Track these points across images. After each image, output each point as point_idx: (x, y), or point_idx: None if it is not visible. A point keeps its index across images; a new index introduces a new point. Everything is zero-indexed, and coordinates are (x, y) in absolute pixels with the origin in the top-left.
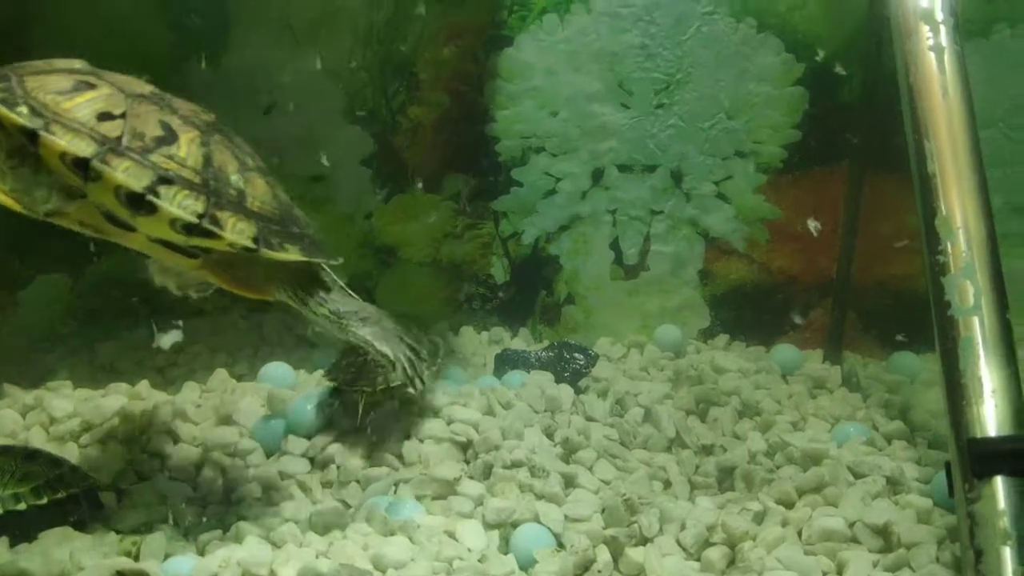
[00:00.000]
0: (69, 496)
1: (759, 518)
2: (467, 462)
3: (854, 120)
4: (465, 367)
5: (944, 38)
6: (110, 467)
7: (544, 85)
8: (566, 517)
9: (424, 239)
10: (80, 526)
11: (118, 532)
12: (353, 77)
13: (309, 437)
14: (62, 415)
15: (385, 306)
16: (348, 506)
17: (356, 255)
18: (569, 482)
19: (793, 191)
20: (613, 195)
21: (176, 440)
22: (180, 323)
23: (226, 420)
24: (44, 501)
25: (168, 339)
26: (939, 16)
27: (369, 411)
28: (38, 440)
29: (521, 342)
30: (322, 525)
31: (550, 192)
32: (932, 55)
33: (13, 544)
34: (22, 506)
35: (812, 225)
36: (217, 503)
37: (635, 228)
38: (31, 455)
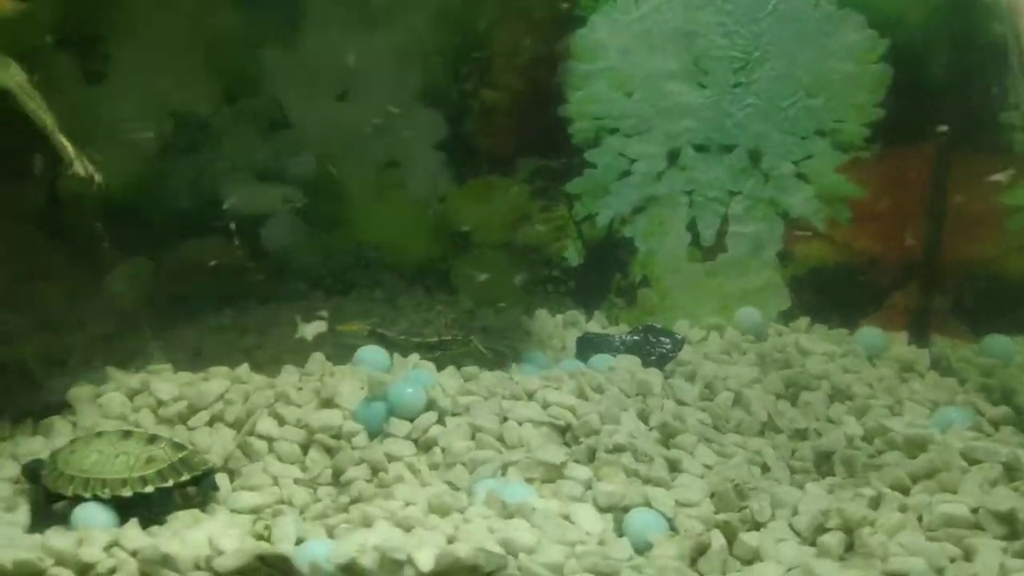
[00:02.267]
0: (193, 479)
1: (874, 503)
2: (567, 445)
3: (941, 98)
4: (543, 350)
5: None
6: (219, 449)
7: (618, 65)
8: (676, 502)
9: (498, 223)
10: (200, 508)
11: (237, 513)
12: (427, 61)
13: (411, 420)
14: (168, 398)
15: (459, 290)
16: (456, 488)
17: (430, 240)
18: (673, 467)
19: (877, 170)
20: (689, 176)
21: (282, 422)
22: (325, 314)
23: (328, 403)
24: (170, 484)
25: (311, 329)
26: None
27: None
28: (147, 423)
29: (596, 325)
30: (442, 508)
31: (625, 173)
32: None
33: (144, 526)
34: (149, 489)
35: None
36: (326, 484)
37: (712, 209)
38: (153, 438)
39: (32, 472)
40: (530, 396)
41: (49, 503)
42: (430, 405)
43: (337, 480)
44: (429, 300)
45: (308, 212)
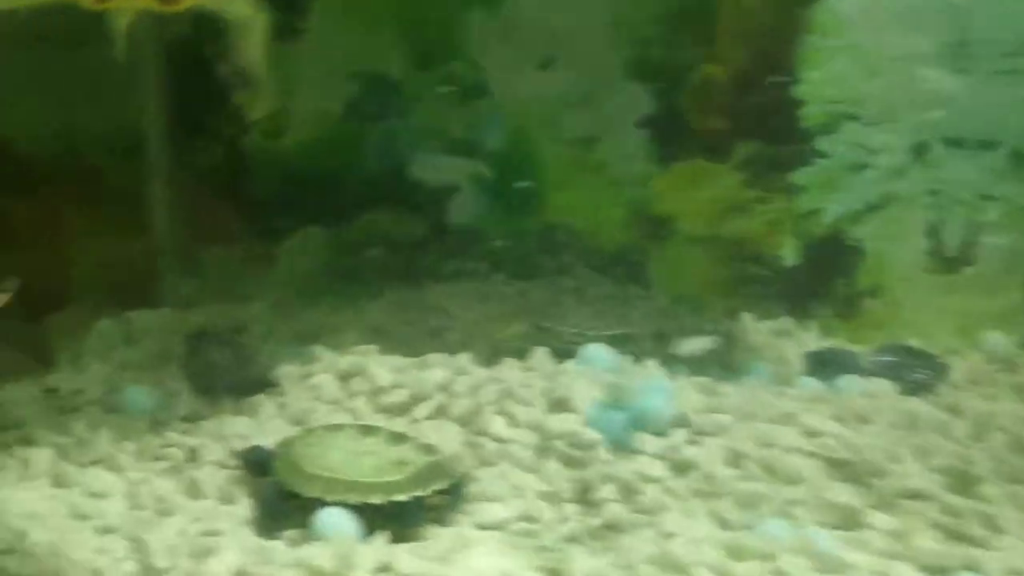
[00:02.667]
0: (448, 487)
1: None
2: (844, 482)
3: None
4: (757, 360)
5: None
6: (447, 449)
7: (865, 43)
8: (1008, 569)
9: (705, 211)
10: (442, 521)
11: (483, 528)
12: (640, 29)
13: (658, 434)
14: (386, 384)
15: (654, 283)
16: (726, 523)
17: (626, 226)
18: (987, 522)
19: None
20: (937, 174)
21: (513, 423)
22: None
23: (562, 406)
24: (423, 492)
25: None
26: None
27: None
28: (366, 413)
29: (811, 335)
30: (738, 550)
31: (860, 166)
32: None
33: (394, 541)
34: (402, 497)
35: None
36: (571, 501)
37: (960, 214)
38: (398, 437)
39: (255, 462)
40: (789, 419)
41: (281, 500)
42: (680, 420)
43: (584, 497)
44: (621, 292)
45: (495, 188)
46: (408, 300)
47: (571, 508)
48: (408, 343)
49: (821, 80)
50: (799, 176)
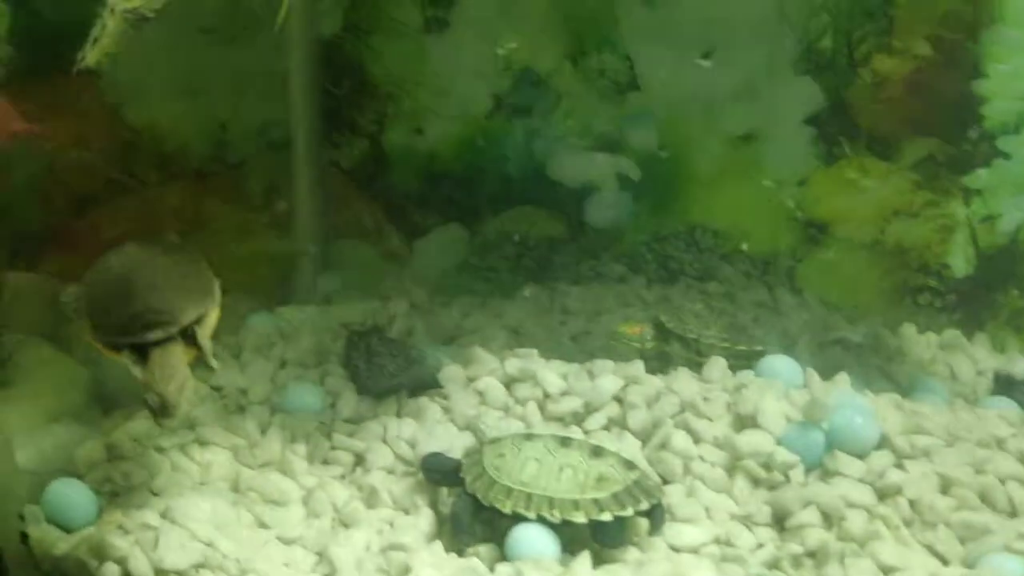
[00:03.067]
0: (652, 508)
1: None
2: None
3: None
4: (925, 376)
5: None
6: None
7: None
8: None
9: (867, 215)
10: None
11: (677, 551)
12: (812, 19)
13: (858, 456)
14: (555, 391)
15: (807, 290)
16: (940, 557)
17: (780, 228)
18: None
19: None
20: None
21: (696, 439)
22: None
23: (748, 422)
24: (628, 512)
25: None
26: None
27: None
28: (535, 421)
29: (981, 350)
30: None
31: None
32: None
33: (596, 564)
34: (606, 516)
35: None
36: (765, 525)
37: None
38: (597, 450)
39: (436, 470)
40: (999, 444)
41: (472, 513)
42: (883, 442)
43: (779, 523)
44: (771, 299)
45: (640, 187)
46: (544, 302)
47: (766, 532)
48: (546, 347)
49: (1010, 75)
50: (976, 179)
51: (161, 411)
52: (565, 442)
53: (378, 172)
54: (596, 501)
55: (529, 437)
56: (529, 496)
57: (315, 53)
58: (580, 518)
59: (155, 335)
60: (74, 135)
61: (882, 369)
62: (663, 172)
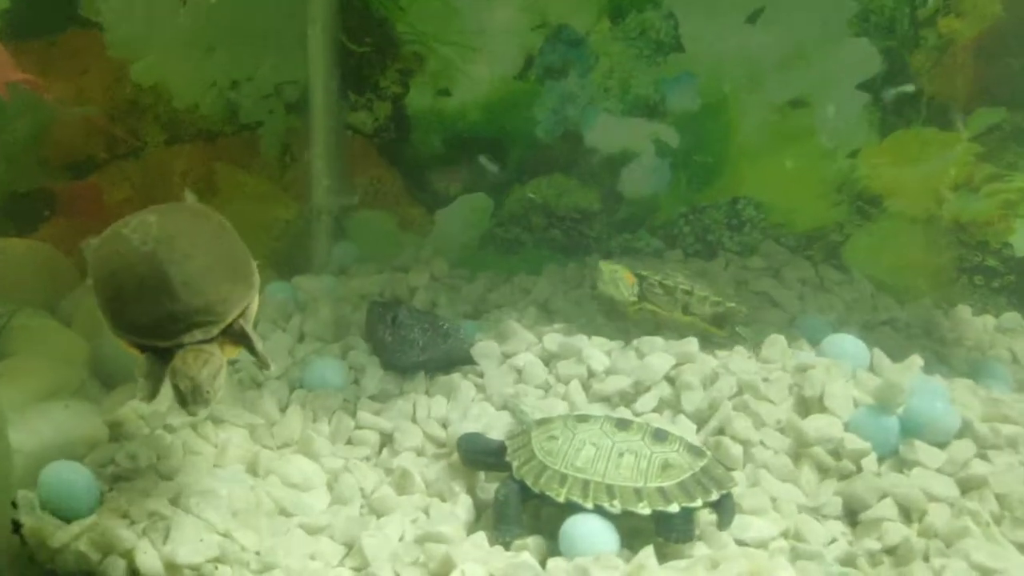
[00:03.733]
0: (722, 499)
1: None
2: None
3: None
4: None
5: None
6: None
7: None
8: None
9: (923, 189)
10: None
11: (744, 545)
12: None
13: (938, 445)
14: (601, 369)
15: (855, 267)
16: None
17: (827, 201)
18: None
19: None
20: None
21: (758, 423)
22: None
23: (814, 406)
24: (697, 503)
25: None
26: None
27: None
28: (579, 401)
29: None
30: None
31: None
32: None
33: (662, 561)
34: (673, 507)
35: None
36: (835, 518)
37: None
38: (660, 434)
39: (477, 453)
40: None
41: (519, 502)
42: (964, 430)
43: (852, 516)
44: (815, 276)
45: (679, 155)
46: (573, 276)
47: (838, 526)
48: (579, 323)
49: None
50: None
51: (192, 398)
52: (623, 424)
53: (400, 136)
54: (661, 490)
55: (583, 419)
56: (586, 483)
57: (335, 7)
58: (644, 509)
59: (194, 337)
60: (76, 92)
61: (937, 353)
62: (705, 140)
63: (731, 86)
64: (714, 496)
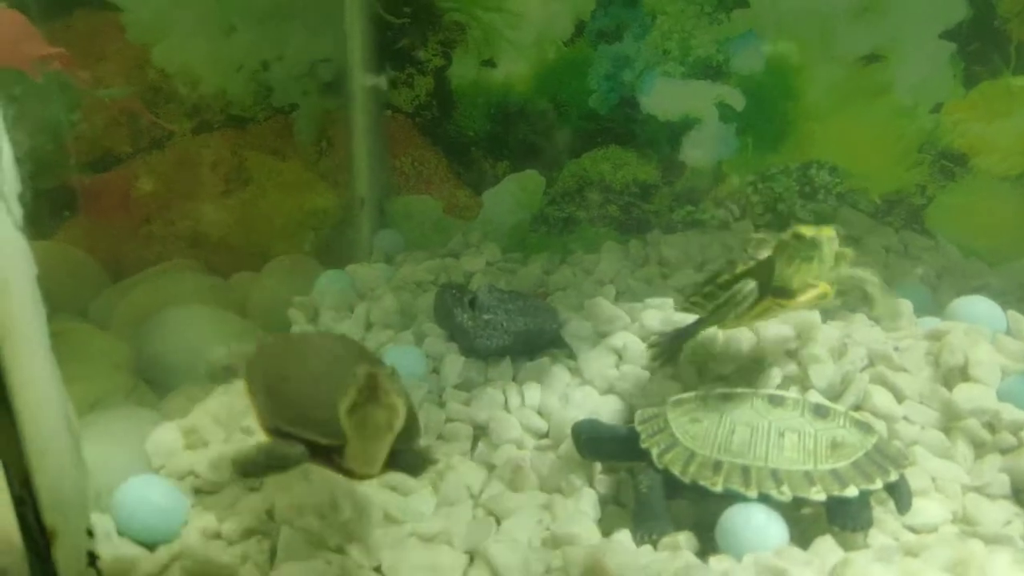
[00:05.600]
0: (899, 479)
1: None
2: None
3: None
4: None
5: None
6: None
7: None
8: None
9: (1013, 144)
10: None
11: (916, 532)
12: None
13: None
14: (712, 346)
15: (940, 232)
16: None
17: (908, 162)
18: None
19: None
20: None
21: (900, 396)
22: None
23: (957, 375)
24: (877, 485)
25: None
26: None
27: None
28: (695, 384)
29: None
30: None
31: None
32: None
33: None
34: (851, 491)
35: None
36: (1004, 498)
37: None
38: (820, 409)
39: (600, 441)
40: None
41: (665, 494)
42: None
43: (1019, 494)
44: (898, 242)
45: (745, 119)
46: (637, 254)
47: (1009, 506)
48: (638, 299)
49: None
50: None
51: (363, 472)
52: (777, 400)
53: (442, 114)
54: (835, 472)
55: (727, 397)
56: (746, 469)
57: None
58: (818, 494)
59: None
60: (95, 79)
61: None
62: (772, 101)
63: (800, 42)
64: (893, 476)
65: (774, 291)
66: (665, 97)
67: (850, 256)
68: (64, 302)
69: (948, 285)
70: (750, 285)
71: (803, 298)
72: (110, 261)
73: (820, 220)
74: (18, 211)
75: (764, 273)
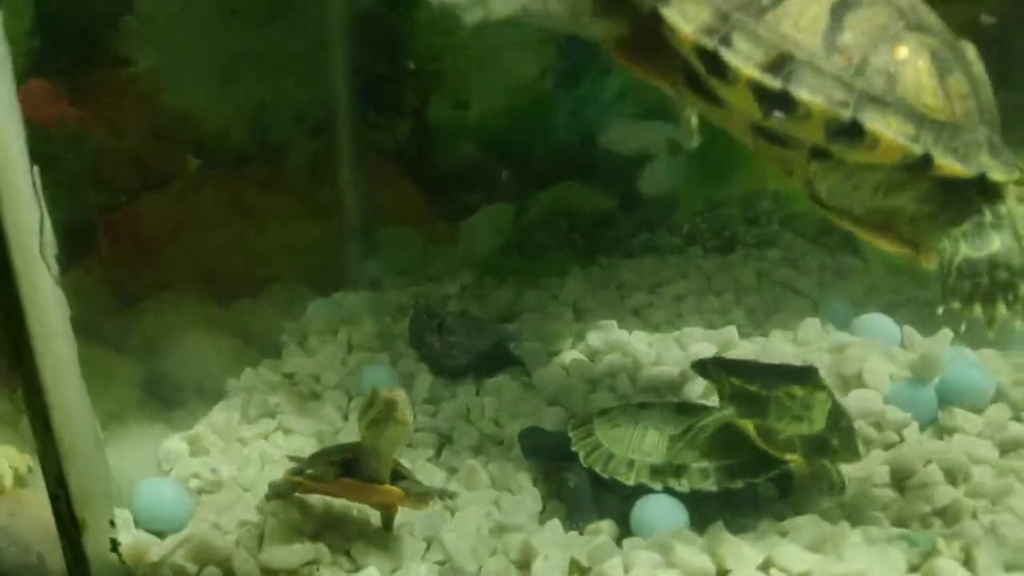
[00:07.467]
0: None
1: None
2: None
3: None
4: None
5: None
6: None
7: None
8: None
9: None
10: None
11: (800, 515)
12: None
13: (975, 411)
14: (646, 361)
15: (870, 253)
16: None
17: None
18: None
19: None
20: None
21: None
22: None
23: (851, 381)
24: (758, 479)
25: None
26: None
27: None
28: (630, 392)
29: None
30: None
31: None
32: None
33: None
34: (737, 484)
35: None
36: (883, 486)
37: None
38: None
39: (537, 447)
40: None
41: (590, 487)
42: (998, 395)
43: (899, 483)
44: (833, 263)
45: (692, 153)
46: (599, 278)
47: (883, 493)
48: (610, 321)
49: None
50: None
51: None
52: (684, 408)
53: (421, 153)
54: (728, 467)
55: (643, 406)
56: (653, 466)
57: (353, 28)
58: (711, 486)
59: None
60: (111, 125)
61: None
62: (718, 136)
63: None
64: (775, 470)
65: None
66: (622, 135)
67: None
68: (82, 328)
69: (878, 300)
70: None
71: None
72: (122, 290)
73: (763, 244)
74: (55, 268)
75: None
